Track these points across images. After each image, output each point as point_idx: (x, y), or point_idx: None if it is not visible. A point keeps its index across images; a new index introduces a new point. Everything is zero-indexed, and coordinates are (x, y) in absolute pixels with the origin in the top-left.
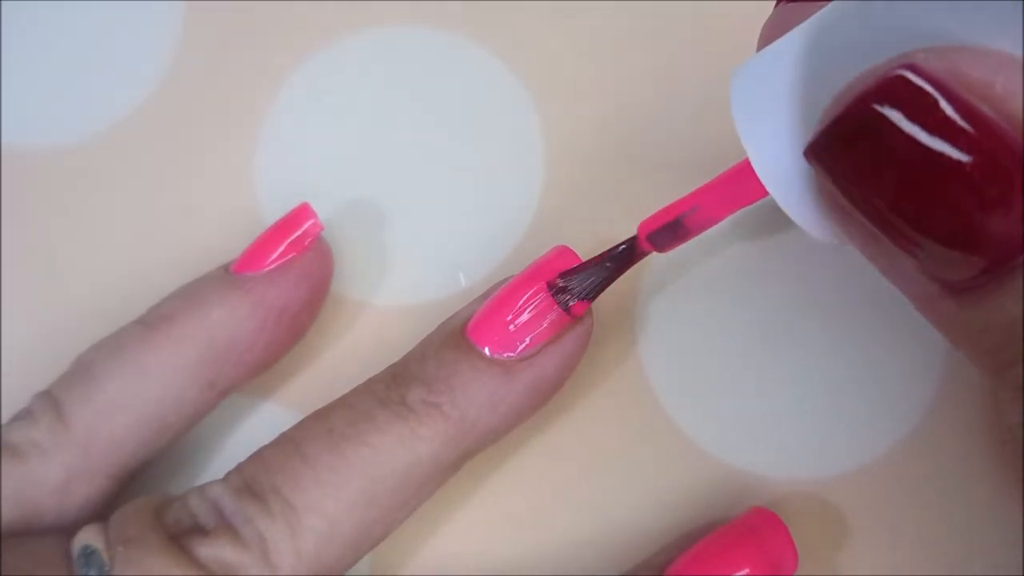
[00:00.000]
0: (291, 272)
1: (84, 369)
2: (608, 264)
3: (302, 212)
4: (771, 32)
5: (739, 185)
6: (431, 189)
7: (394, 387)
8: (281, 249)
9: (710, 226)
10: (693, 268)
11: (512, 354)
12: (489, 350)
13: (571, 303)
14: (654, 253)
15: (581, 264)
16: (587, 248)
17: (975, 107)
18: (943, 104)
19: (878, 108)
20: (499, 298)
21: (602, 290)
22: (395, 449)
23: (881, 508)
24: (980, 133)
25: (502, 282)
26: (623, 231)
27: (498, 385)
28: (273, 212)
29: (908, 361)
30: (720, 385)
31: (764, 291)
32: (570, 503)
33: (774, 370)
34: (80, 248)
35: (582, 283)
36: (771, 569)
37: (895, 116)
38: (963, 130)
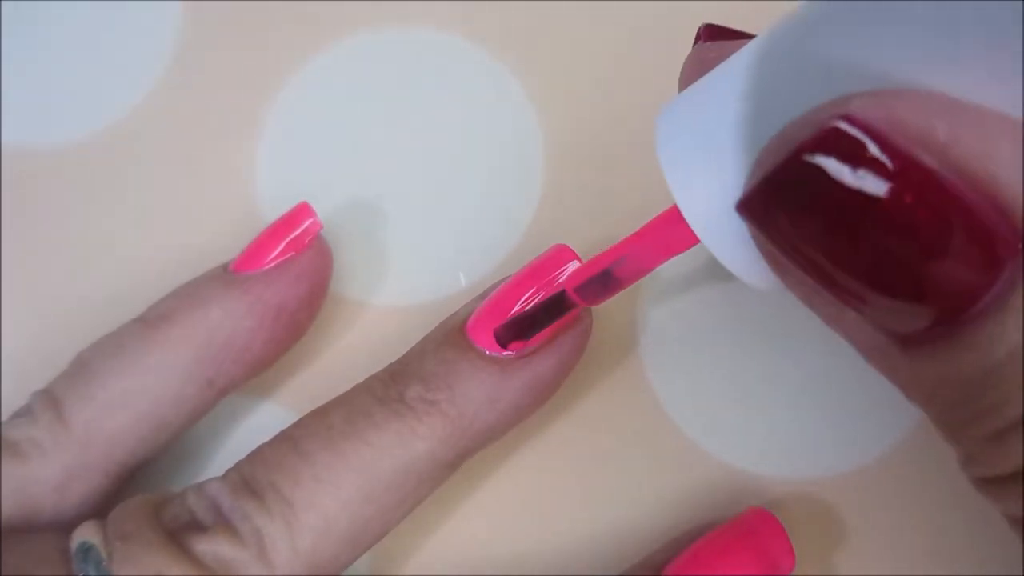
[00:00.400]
0: (290, 271)
1: (83, 367)
2: (540, 316)
3: (301, 211)
4: (692, 71)
5: (668, 233)
6: (431, 189)
7: (393, 385)
8: (280, 248)
9: (641, 276)
10: (693, 268)
11: (510, 353)
12: (488, 349)
13: (507, 345)
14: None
15: (513, 318)
16: (587, 248)
17: (912, 156)
18: (878, 154)
19: (812, 160)
20: (498, 297)
21: (534, 333)
22: (393, 447)
23: (879, 508)
24: (920, 181)
25: (501, 281)
26: (622, 231)
27: (497, 383)
28: (273, 212)
29: None
30: (720, 385)
31: (765, 290)
32: (569, 503)
33: (774, 370)
34: (80, 248)
35: (516, 328)
36: (768, 569)
37: (831, 167)
38: (902, 179)
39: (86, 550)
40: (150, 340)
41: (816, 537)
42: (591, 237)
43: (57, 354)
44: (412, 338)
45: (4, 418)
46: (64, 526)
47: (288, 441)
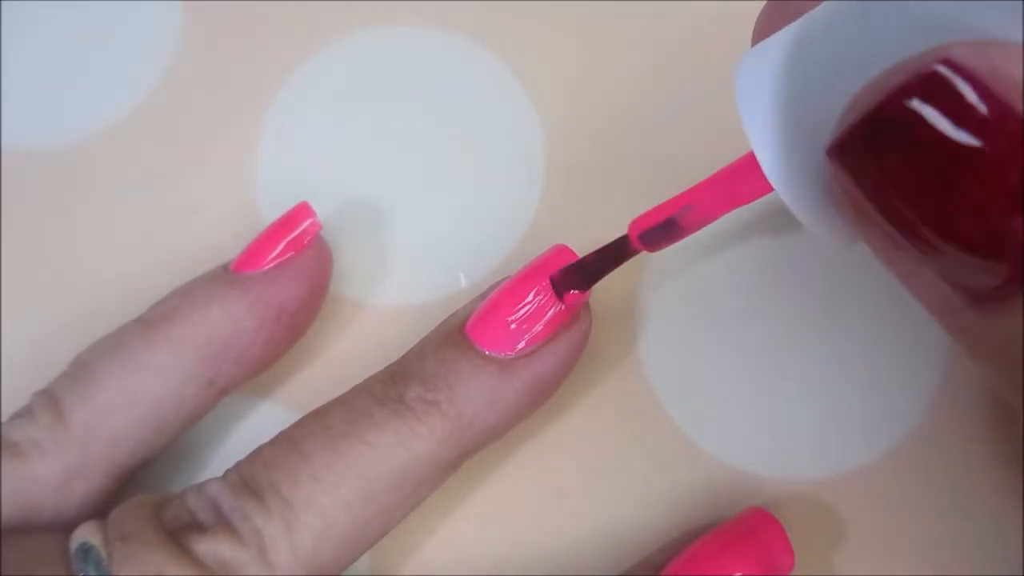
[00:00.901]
0: (290, 271)
1: (83, 368)
2: (602, 262)
3: (301, 211)
4: (769, 21)
5: (735, 183)
6: (431, 189)
7: (392, 385)
8: (280, 248)
9: (704, 225)
10: (693, 268)
11: (510, 352)
12: (488, 348)
13: (564, 294)
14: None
15: (574, 263)
16: (587, 248)
17: (1010, 104)
18: (976, 101)
19: (911, 105)
20: (498, 297)
21: (594, 280)
22: (393, 447)
23: (878, 508)
24: (1014, 131)
25: (501, 281)
26: (621, 231)
27: (497, 384)
28: (273, 212)
29: (907, 362)
30: (719, 385)
31: (764, 291)
32: (569, 502)
33: (773, 370)
34: (80, 248)
35: (574, 277)
36: (767, 569)
37: (929, 114)
38: (997, 128)
39: (86, 550)
40: (150, 340)
41: (815, 537)
42: (591, 237)
43: (57, 354)
44: (412, 338)
45: (4, 418)
46: (64, 526)
47: (288, 441)
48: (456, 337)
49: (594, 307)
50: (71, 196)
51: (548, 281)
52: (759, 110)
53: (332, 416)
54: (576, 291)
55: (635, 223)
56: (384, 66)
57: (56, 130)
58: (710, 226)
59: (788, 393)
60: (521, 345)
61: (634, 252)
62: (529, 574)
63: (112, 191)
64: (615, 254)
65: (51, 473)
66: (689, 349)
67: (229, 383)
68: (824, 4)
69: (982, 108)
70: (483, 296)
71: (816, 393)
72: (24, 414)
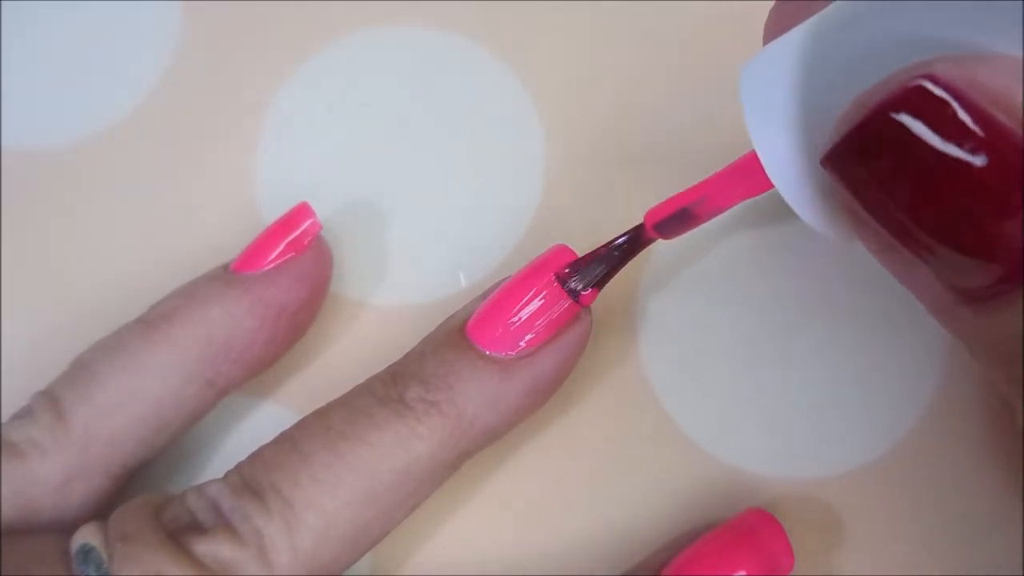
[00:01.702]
0: (290, 271)
1: (83, 368)
2: (615, 253)
3: (301, 211)
4: (776, 24)
5: (748, 176)
6: (431, 189)
7: (393, 385)
8: (280, 248)
9: (718, 215)
10: (693, 267)
11: (511, 353)
12: (488, 349)
13: (580, 292)
14: (653, 248)
15: (587, 254)
16: (588, 247)
17: (992, 116)
18: (961, 113)
19: (897, 118)
20: (498, 297)
21: (610, 278)
22: (393, 447)
23: (878, 508)
24: (998, 142)
25: (502, 281)
26: (622, 230)
27: (497, 384)
28: (273, 212)
29: (907, 361)
30: (719, 384)
31: (764, 290)
32: (569, 502)
33: (773, 370)
34: (80, 248)
35: (590, 272)
36: (767, 570)
37: (914, 126)
38: (981, 139)
39: (86, 552)
40: (150, 340)
41: (814, 537)
42: (592, 237)
43: (57, 354)
44: (412, 338)
45: (4, 418)
46: (65, 527)
47: (288, 442)
48: (456, 337)
49: (594, 307)
50: (71, 196)
51: (549, 280)
52: (762, 111)
53: (332, 416)
54: (591, 288)
55: (651, 213)
56: (384, 66)
57: (56, 130)
58: (710, 226)
59: (788, 393)
60: (522, 345)
61: (649, 241)
62: (529, 574)
63: (112, 191)
64: (630, 244)
65: (51, 473)
66: (689, 349)
67: (229, 383)
68: (829, 8)
69: (965, 120)
70: (483, 296)
71: (816, 393)
72: (24, 414)
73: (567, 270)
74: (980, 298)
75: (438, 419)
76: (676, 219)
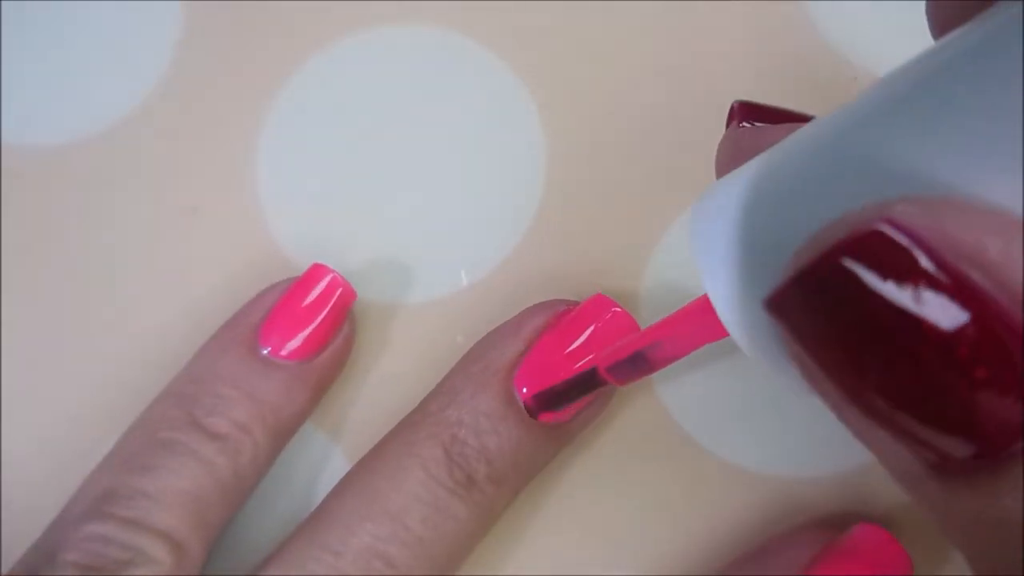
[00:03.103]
0: (341, 346)
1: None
2: (571, 391)
3: (333, 284)
4: (726, 156)
5: (702, 322)
6: (432, 188)
7: (456, 468)
8: (327, 330)
9: (672, 362)
10: (693, 268)
11: (565, 419)
12: (544, 419)
13: (539, 415)
14: (653, 249)
15: (545, 391)
16: (587, 247)
17: (965, 274)
18: (927, 266)
19: (847, 265)
20: (540, 351)
21: (565, 405)
22: (472, 526)
23: (878, 508)
24: (971, 304)
25: (536, 320)
26: (623, 230)
27: (541, 447)
28: (273, 212)
29: None
30: (720, 384)
31: None
32: (567, 501)
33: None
34: (80, 248)
35: (547, 401)
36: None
37: (868, 276)
38: (950, 300)
39: None
40: (224, 453)
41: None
42: (592, 237)
43: (57, 354)
44: (412, 338)
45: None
46: None
47: (371, 553)
48: (514, 408)
49: None
50: (71, 196)
51: (525, 403)
52: (712, 252)
53: (408, 519)
54: (550, 412)
55: (603, 356)
56: (385, 66)
57: (56, 130)
58: None
59: (788, 392)
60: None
61: (603, 383)
62: (529, 574)
63: (112, 191)
64: (585, 383)
65: None
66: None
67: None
68: (780, 143)
69: (932, 274)
70: (512, 332)
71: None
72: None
73: (531, 400)
74: (951, 472)
75: (503, 496)
76: (630, 364)
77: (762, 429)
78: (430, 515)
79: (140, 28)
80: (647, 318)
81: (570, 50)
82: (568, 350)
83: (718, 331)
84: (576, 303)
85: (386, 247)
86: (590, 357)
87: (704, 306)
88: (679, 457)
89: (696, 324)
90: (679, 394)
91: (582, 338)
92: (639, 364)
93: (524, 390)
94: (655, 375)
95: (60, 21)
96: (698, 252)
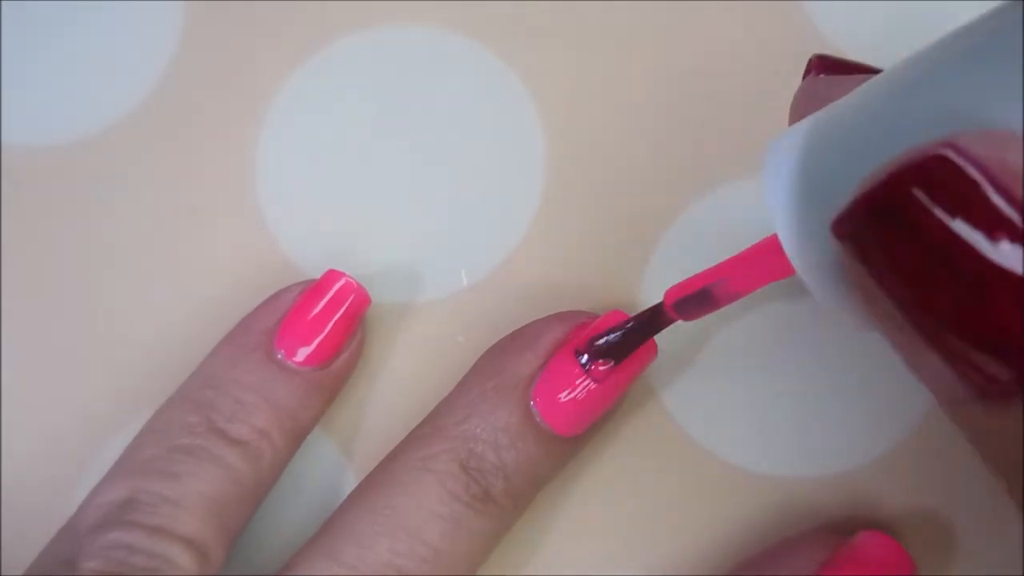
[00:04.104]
0: (355, 349)
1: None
2: (633, 328)
3: (346, 288)
4: (802, 105)
5: (769, 260)
6: (432, 188)
7: (473, 483)
8: (343, 338)
9: (738, 299)
10: (694, 268)
11: (579, 433)
12: (559, 431)
13: (593, 366)
14: (653, 251)
15: (608, 328)
16: (588, 247)
17: (1021, 200)
18: (989, 192)
19: (911, 188)
20: (555, 367)
21: (628, 353)
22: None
23: (878, 508)
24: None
25: (549, 331)
26: (623, 230)
27: (556, 462)
28: (273, 212)
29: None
30: (719, 383)
31: (766, 291)
32: (567, 500)
33: (774, 369)
34: (79, 248)
35: (608, 344)
36: None
37: (931, 202)
38: (1010, 225)
39: None
40: (249, 460)
41: None
42: (592, 237)
43: (56, 355)
44: (413, 338)
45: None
46: None
47: (389, 567)
48: (535, 426)
49: (594, 304)
50: (70, 196)
51: (577, 348)
52: (782, 188)
53: (427, 535)
54: (606, 362)
55: (671, 291)
56: (385, 66)
57: (56, 130)
58: (712, 228)
59: (788, 392)
60: (586, 424)
61: (669, 321)
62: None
63: (112, 191)
64: (649, 322)
65: None
66: (690, 348)
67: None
68: (853, 91)
69: (994, 200)
70: (523, 344)
71: (817, 393)
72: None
73: (586, 344)
74: (994, 395)
75: (516, 509)
76: (696, 300)
77: (764, 430)
78: (448, 530)
79: (140, 28)
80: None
81: (570, 50)
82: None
83: (785, 269)
84: (594, 316)
85: (386, 247)
86: (610, 365)
87: (772, 245)
88: (681, 458)
89: (763, 261)
90: (681, 395)
91: None
92: (704, 300)
93: (538, 406)
94: (655, 376)
95: (60, 21)
96: (768, 188)
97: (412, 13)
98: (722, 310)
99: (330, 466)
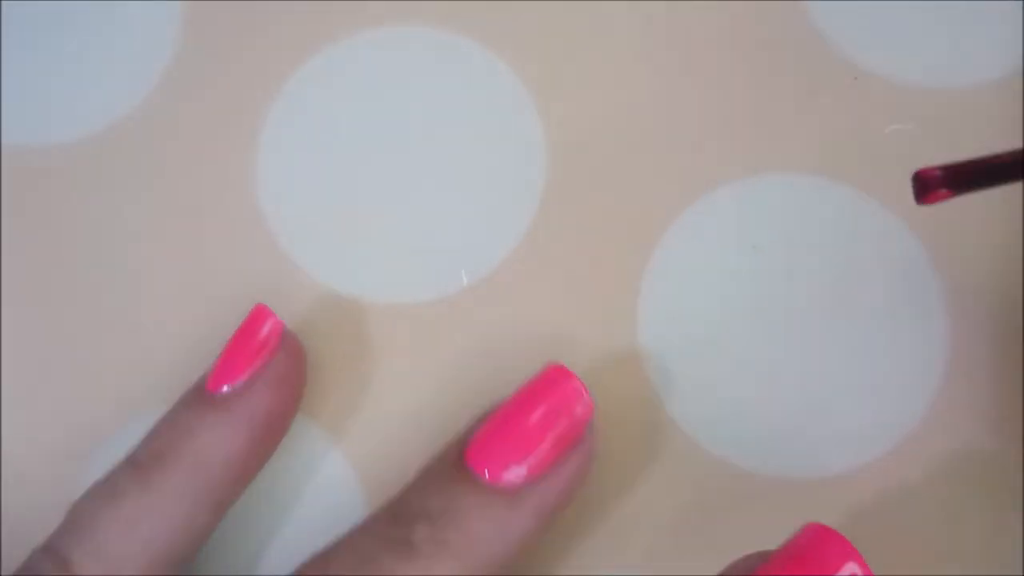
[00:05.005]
0: (267, 377)
1: (86, 520)
2: (992, 167)
3: (259, 315)
4: None
5: None
6: (432, 188)
7: (396, 526)
8: (250, 357)
9: None
10: (694, 268)
11: (517, 483)
12: (491, 479)
13: (934, 190)
14: (654, 246)
15: (969, 162)
16: (588, 247)
17: None
18: None
19: None
20: (498, 422)
21: (971, 189)
22: None
23: (878, 508)
24: None
25: (497, 404)
26: (623, 230)
27: (505, 515)
28: (273, 212)
29: (909, 362)
30: (719, 382)
31: (765, 290)
32: (574, 508)
33: (774, 369)
34: (79, 248)
35: (957, 176)
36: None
37: None
38: None
39: None
40: (147, 484)
41: None
42: (592, 236)
43: (56, 355)
44: (413, 338)
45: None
46: None
47: None
48: (458, 470)
49: (594, 304)
50: (71, 196)
51: (553, 403)
52: None
53: (336, 564)
54: (945, 192)
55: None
56: (384, 66)
57: (56, 130)
58: (710, 227)
59: (788, 392)
60: (527, 474)
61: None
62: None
63: (112, 191)
64: (1010, 164)
65: None
66: (690, 347)
67: (233, 497)
68: None
69: None
70: (480, 419)
71: (817, 393)
72: None
73: (938, 170)
74: None
75: (449, 560)
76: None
77: (764, 431)
78: (355, 562)
79: (140, 28)
80: (647, 318)
81: (570, 50)
82: (526, 419)
83: None
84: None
85: (386, 247)
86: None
87: None
88: (682, 458)
89: None
90: (681, 395)
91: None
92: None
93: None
94: (656, 376)
95: (60, 21)
96: None
97: (412, 13)
98: (722, 310)
99: (330, 465)
